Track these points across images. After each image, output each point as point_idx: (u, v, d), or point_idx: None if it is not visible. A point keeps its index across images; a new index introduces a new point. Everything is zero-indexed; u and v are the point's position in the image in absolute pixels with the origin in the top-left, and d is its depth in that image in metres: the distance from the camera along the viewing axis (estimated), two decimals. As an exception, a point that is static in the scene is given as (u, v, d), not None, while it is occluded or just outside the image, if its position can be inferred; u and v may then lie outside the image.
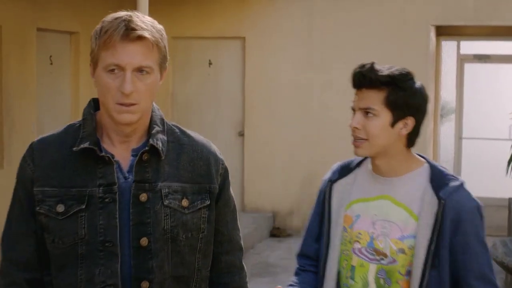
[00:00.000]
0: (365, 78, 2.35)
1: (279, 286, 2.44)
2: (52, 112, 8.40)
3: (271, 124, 9.52)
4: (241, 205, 9.50)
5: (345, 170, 2.54)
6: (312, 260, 2.60)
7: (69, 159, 2.05)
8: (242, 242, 2.29)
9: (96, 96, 2.11)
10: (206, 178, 2.14)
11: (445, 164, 6.65)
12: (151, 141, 2.05)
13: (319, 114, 9.36)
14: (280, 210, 9.57)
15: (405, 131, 2.38)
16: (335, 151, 9.28)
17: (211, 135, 9.70)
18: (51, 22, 8.19)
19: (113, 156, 2.04)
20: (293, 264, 2.74)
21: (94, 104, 2.12)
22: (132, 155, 2.06)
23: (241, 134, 9.72)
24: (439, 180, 2.37)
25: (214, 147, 2.25)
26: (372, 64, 2.35)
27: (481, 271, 2.34)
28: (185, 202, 2.08)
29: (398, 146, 2.39)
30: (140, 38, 1.97)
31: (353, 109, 2.41)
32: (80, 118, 2.12)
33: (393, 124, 2.36)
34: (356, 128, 2.38)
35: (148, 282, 2.02)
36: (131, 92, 1.96)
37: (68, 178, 2.03)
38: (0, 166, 7.50)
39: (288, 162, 9.48)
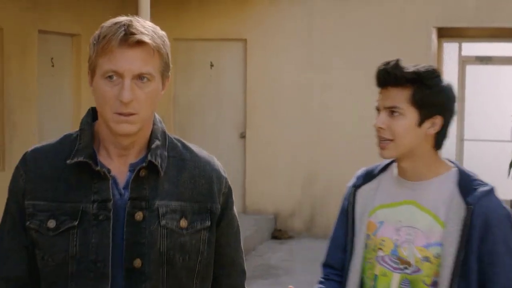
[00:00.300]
0: (390, 76, 2.25)
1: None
2: (53, 114, 8.40)
3: (273, 125, 9.52)
4: (242, 206, 9.49)
5: (369, 176, 2.44)
6: (337, 269, 2.48)
7: (64, 171, 1.93)
8: (245, 265, 2.17)
9: None
10: (208, 197, 2.01)
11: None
12: (149, 157, 1.92)
13: (321, 115, 9.36)
14: (281, 212, 9.57)
15: (432, 131, 2.28)
16: (337, 153, 9.30)
17: (213, 136, 9.70)
18: (52, 24, 8.20)
19: (109, 170, 1.92)
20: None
21: (93, 114, 2.00)
22: (129, 170, 1.94)
23: (243, 136, 9.72)
24: (467, 185, 2.26)
25: (218, 164, 2.08)
26: (397, 61, 2.27)
27: (507, 286, 2.20)
28: (183, 223, 1.95)
29: (425, 147, 2.29)
30: (140, 43, 1.85)
31: (378, 109, 2.31)
32: (80, 120, 2.07)
33: (420, 124, 2.26)
34: (381, 128, 2.27)
35: None
36: (130, 101, 1.84)
37: (61, 192, 1.92)
38: (1, 168, 7.51)
39: (290, 163, 9.47)
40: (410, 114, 2.25)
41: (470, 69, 9.96)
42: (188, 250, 1.96)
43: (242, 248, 2.17)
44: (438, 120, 2.28)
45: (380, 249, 2.32)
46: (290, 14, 9.42)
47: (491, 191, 2.27)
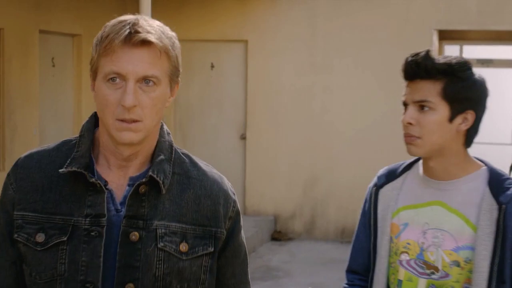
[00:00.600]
0: (419, 67, 2.10)
1: None
2: (54, 114, 8.40)
3: (273, 127, 9.51)
4: (242, 208, 9.49)
5: (392, 175, 2.29)
6: (361, 274, 2.36)
7: (57, 181, 1.76)
8: None
9: None
10: (212, 221, 1.81)
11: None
12: (151, 172, 1.74)
13: (321, 117, 9.35)
14: (281, 214, 9.56)
15: (464, 127, 2.14)
16: (338, 155, 9.30)
17: (213, 138, 9.70)
18: (53, 24, 8.20)
19: (106, 183, 1.74)
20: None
21: (96, 119, 1.82)
22: (129, 185, 1.76)
23: (243, 137, 9.71)
24: (498, 184, 2.12)
25: (228, 185, 1.88)
26: (428, 51, 2.12)
27: None
28: (183, 247, 1.76)
29: (455, 144, 2.16)
30: (146, 43, 1.67)
31: (405, 103, 2.15)
32: (81, 120, 1.97)
33: (451, 119, 2.12)
34: (410, 123, 2.12)
35: None
36: (133, 106, 1.66)
37: (52, 204, 1.74)
38: (2, 169, 7.51)
39: (290, 165, 9.47)
40: (441, 109, 2.11)
41: (471, 71, 9.95)
42: (187, 278, 1.77)
43: (249, 280, 1.97)
44: (470, 116, 2.15)
45: (405, 252, 2.19)
46: (292, 16, 9.42)
47: None
